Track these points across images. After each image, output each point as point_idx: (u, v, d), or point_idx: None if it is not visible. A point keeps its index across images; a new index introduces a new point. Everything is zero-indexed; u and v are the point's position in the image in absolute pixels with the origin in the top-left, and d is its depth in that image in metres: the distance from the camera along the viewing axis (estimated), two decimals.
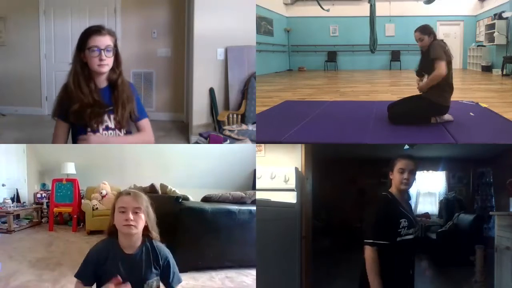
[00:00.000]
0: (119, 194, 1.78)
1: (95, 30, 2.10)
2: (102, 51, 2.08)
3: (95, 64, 2.09)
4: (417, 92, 3.80)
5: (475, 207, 6.41)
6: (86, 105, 2.11)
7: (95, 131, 2.17)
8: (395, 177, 2.17)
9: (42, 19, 6.01)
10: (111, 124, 2.21)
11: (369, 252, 2.03)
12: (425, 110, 3.70)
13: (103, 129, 2.20)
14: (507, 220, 3.52)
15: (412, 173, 2.15)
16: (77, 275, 1.76)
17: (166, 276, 1.80)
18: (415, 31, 3.67)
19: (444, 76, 3.49)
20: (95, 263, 1.74)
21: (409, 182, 2.15)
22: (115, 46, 2.15)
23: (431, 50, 3.53)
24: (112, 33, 2.15)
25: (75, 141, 2.23)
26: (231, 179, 6.77)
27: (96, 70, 2.12)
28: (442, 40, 3.66)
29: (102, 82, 2.19)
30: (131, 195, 1.74)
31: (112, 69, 2.17)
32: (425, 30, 3.63)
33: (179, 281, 1.84)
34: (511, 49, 8.79)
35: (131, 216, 1.70)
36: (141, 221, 1.73)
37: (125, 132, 2.27)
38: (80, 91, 2.10)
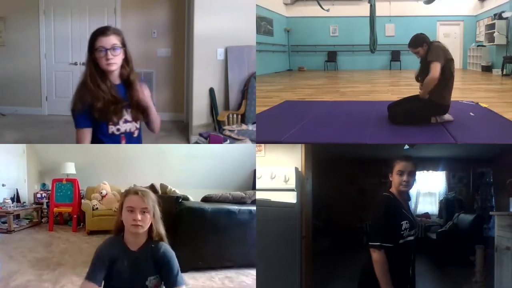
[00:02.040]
0: (127, 193, 1.79)
1: (100, 32, 2.20)
2: (108, 51, 2.17)
3: (104, 63, 2.19)
4: (417, 92, 3.80)
5: (475, 207, 6.42)
6: (109, 102, 2.22)
7: (115, 125, 2.29)
8: (395, 179, 2.16)
9: (42, 19, 6.01)
10: (129, 118, 2.33)
11: (378, 256, 2.02)
12: (425, 109, 3.70)
13: (123, 122, 2.32)
14: (507, 220, 3.52)
15: (411, 175, 2.15)
16: (89, 278, 1.73)
17: (166, 277, 1.80)
18: (408, 47, 3.63)
19: (437, 78, 3.44)
20: (105, 262, 1.75)
21: (409, 184, 2.15)
22: (123, 44, 2.24)
23: (428, 53, 3.50)
24: (117, 32, 2.23)
25: (96, 136, 2.30)
26: (231, 179, 6.77)
27: (105, 69, 2.22)
28: (438, 42, 3.62)
29: (116, 79, 2.28)
30: (139, 194, 1.76)
31: (122, 66, 2.27)
32: (417, 43, 3.58)
33: (182, 284, 1.82)
34: (511, 49, 8.80)
35: (139, 217, 1.73)
36: (148, 220, 1.77)
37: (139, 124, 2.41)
38: (99, 88, 2.20)
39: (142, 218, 1.74)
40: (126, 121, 2.32)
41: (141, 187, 1.84)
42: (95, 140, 2.30)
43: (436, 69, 3.42)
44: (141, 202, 1.75)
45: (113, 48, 2.18)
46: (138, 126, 2.38)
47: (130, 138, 2.37)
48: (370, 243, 2.05)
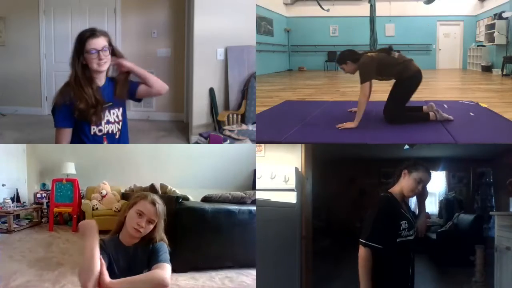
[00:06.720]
0: (143, 198, 1.82)
1: (90, 34, 2.26)
2: (100, 52, 2.25)
3: (95, 64, 2.26)
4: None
5: (475, 207, 6.42)
6: (90, 105, 2.27)
7: (97, 126, 2.35)
8: (409, 183, 2.15)
9: (42, 19, 6.01)
10: (111, 119, 2.40)
11: (361, 252, 2.04)
12: (408, 90, 3.72)
13: (105, 123, 2.38)
14: (507, 220, 3.52)
15: (424, 187, 2.18)
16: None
17: (153, 259, 1.78)
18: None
19: (365, 99, 3.56)
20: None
21: (418, 194, 2.18)
22: (110, 44, 2.32)
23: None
24: (105, 34, 2.32)
25: (78, 136, 2.35)
26: (231, 179, 6.77)
27: (96, 69, 2.29)
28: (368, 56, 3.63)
29: (102, 80, 2.36)
30: (155, 206, 1.80)
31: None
32: (341, 60, 3.66)
33: (166, 261, 1.79)
34: (511, 49, 8.80)
35: (143, 224, 1.78)
36: (149, 229, 1.81)
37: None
38: (83, 91, 2.26)
39: (146, 226, 1.79)
40: (108, 122, 2.38)
41: (156, 196, 1.86)
42: (78, 140, 2.34)
43: (362, 90, 3.53)
44: (153, 214, 1.79)
45: (103, 49, 2.25)
46: (120, 127, 2.44)
47: (113, 139, 2.41)
48: (359, 239, 2.07)
